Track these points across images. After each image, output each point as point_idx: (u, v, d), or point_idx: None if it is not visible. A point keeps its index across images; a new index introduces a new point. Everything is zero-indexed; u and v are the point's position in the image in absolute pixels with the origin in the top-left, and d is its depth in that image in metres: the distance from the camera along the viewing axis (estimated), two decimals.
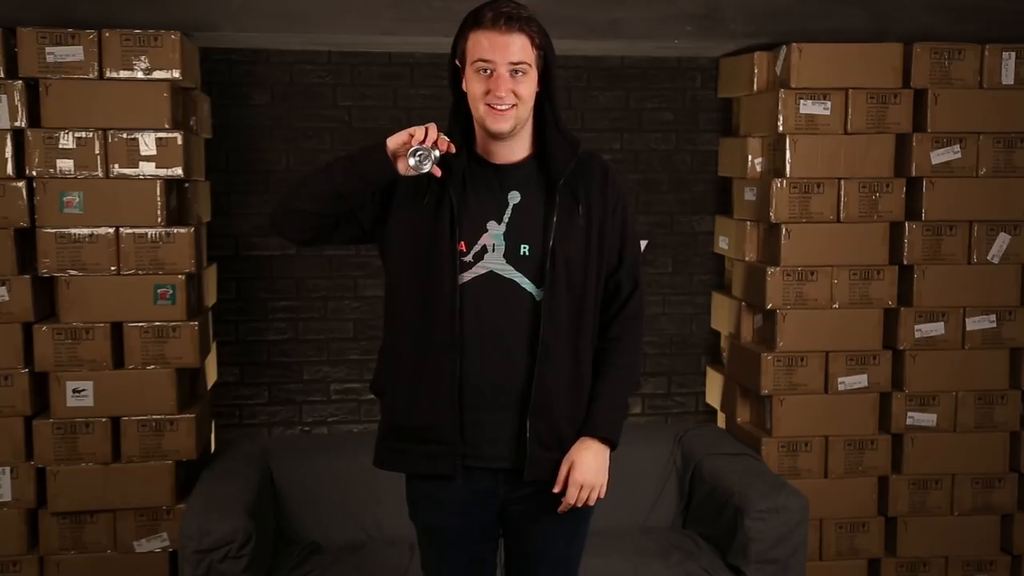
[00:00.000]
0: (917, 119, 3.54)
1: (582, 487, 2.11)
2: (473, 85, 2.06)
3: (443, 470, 2.13)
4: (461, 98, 2.13)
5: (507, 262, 2.10)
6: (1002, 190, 3.58)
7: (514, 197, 2.12)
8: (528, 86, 2.06)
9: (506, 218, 2.11)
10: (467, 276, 2.09)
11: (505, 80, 2.02)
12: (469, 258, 2.09)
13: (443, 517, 2.21)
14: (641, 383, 2.23)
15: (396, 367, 2.18)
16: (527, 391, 2.10)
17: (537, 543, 2.23)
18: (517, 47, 2.02)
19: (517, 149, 2.14)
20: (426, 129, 2.04)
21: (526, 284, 2.10)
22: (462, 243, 2.09)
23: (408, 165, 2.03)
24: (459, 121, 2.15)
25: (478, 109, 2.07)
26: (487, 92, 2.03)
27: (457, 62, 2.11)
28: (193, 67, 3.41)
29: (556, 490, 2.11)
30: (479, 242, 2.10)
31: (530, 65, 2.05)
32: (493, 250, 2.10)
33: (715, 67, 4.01)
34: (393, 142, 2.05)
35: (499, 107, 2.04)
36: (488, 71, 2.03)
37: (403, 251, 2.14)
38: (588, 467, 2.11)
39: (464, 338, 2.08)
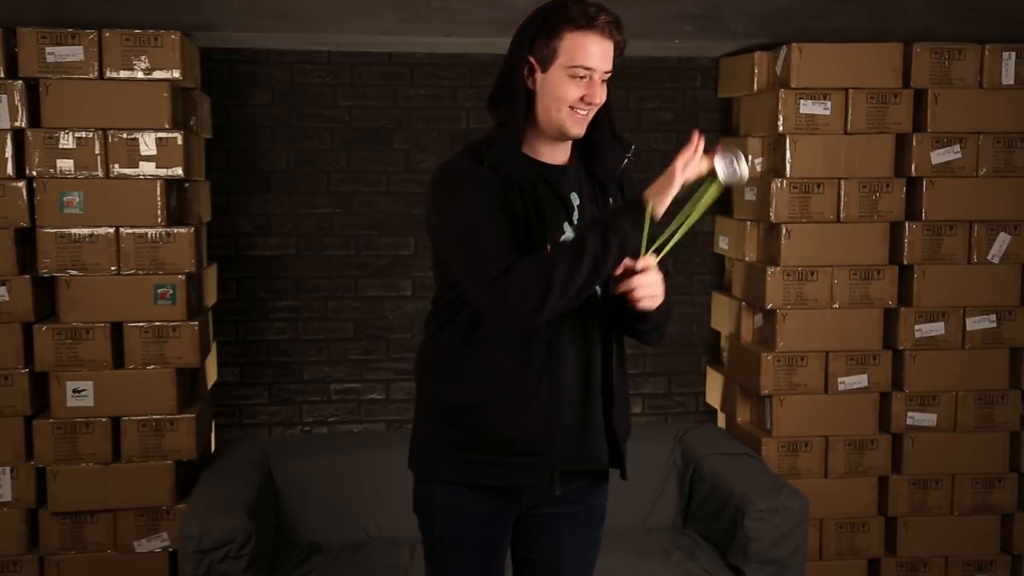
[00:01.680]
0: (917, 119, 3.54)
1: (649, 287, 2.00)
2: (563, 88, 1.98)
3: (541, 481, 2.08)
4: (525, 93, 2.03)
5: None
6: (1002, 190, 3.58)
7: (575, 199, 2.09)
8: (606, 90, 2.04)
9: (575, 219, 2.08)
10: None
11: (601, 87, 1.99)
12: None
13: (466, 528, 2.15)
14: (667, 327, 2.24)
15: (485, 380, 2.07)
16: (606, 390, 2.12)
17: (551, 551, 2.20)
18: (612, 54, 2.00)
19: (565, 150, 2.11)
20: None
21: None
22: (547, 246, 2.02)
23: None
24: (519, 119, 2.04)
25: (559, 111, 2.00)
26: (581, 98, 1.99)
27: (533, 57, 2.01)
28: (193, 67, 3.41)
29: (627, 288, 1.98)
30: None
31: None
32: None
33: (715, 67, 4.01)
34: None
35: (582, 112, 2.00)
36: (587, 77, 1.98)
37: None
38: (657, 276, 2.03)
39: (553, 346, 2.04)
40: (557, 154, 2.11)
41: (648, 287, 2.01)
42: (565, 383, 2.07)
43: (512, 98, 2.03)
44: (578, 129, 2.03)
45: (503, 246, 1.96)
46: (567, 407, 2.08)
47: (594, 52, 1.97)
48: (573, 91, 1.99)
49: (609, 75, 2.02)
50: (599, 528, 2.27)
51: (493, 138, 2.06)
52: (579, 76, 1.98)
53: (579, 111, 2.01)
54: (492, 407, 2.06)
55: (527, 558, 2.26)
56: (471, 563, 2.18)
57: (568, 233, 2.06)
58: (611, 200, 2.13)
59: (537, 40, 2.00)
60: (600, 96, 2.00)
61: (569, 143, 2.11)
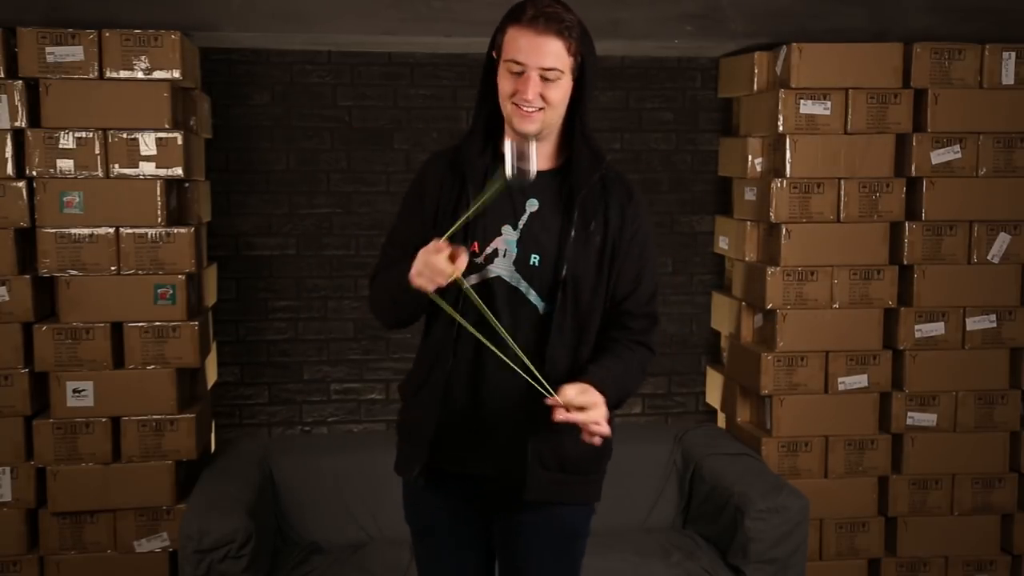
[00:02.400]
0: (917, 119, 3.54)
1: (586, 407, 1.92)
2: (503, 82, 2.00)
3: (408, 472, 2.14)
4: (491, 90, 2.06)
5: (516, 270, 2.05)
6: (1002, 190, 3.58)
7: (532, 204, 2.07)
8: (558, 91, 1.99)
9: (521, 224, 2.06)
10: (474, 279, 2.03)
11: (534, 83, 1.96)
12: (480, 260, 2.04)
13: (432, 520, 2.20)
14: (631, 399, 2.19)
15: (415, 366, 2.19)
16: (529, 407, 2.01)
17: (525, 560, 2.19)
18: (551, 51, 1.95)
19: (542, 155, 2.07)
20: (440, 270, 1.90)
21: (531, 295, 2.05)
22: (475, 243, 2.04)
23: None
24: (484, 113, 2.08)
25: (506, 107, 2.01)
26: (515, 92, 1.98)
27: (494, 53, 2.04)
28: (193, 67, 3.41)
29: (554, 403, 1.93)
30: (492, 245, 2.05)
31: (563, 72, 1.97)
32: (504, 255, 2.05)
33: (715, 67, 4.01)
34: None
35: (526, 108, 1.98)
36: (519, 71, 1.97)
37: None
38: (595, 394, 1.94)
39: (464, 342, 2.04)
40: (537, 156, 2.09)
41: (596, 426, 1.93)
42: (469, 382, 2.07)
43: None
44: (525, 126, 1.99)
45: (395, 248, 2.14)
46: (473, 408, 2.08)
47: (524, 47, 1.96)
48: (508, 85, 2.00)
49: (555, 74, 1.97)
50: (571, 541, 2.21)
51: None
52: (513, 71, 1.98)
53: (523, 107, 1.98)
54: (409, 391, 2.19)
55: (500, 560, 2.26)
56: (439, 554, 2.23)
57: (509, 235, 2.05)
58: (596, 225, 2.06)
59: (495, 36, 2.05)
60: (532, 93, 1.96)
61: (549, 147, 2.08)
